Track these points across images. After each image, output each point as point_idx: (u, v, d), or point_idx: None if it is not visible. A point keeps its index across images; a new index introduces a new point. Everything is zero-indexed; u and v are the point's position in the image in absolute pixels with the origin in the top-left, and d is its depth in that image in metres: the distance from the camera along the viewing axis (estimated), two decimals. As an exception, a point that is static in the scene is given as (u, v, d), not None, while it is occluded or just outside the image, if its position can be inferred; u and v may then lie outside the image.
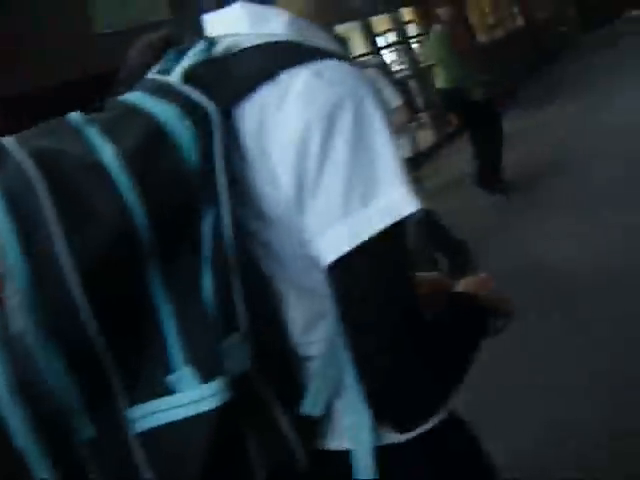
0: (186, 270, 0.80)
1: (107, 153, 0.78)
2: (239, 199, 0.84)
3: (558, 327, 3.93)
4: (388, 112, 0.84)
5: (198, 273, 0.80)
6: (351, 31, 11.01)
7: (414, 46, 13.10)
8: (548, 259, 5.03)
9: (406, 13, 12.89)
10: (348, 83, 0.83)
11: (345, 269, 0.81)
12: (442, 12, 7.46)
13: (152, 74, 0.95)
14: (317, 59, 0.84)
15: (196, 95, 0.83)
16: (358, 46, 11.20)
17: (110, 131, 0.81)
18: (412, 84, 12.76)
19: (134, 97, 0.87)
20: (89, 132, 0.82)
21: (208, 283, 0.80)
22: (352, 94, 0.82)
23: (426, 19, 12.74)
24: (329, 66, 0.84)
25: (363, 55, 11.02)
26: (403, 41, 12.68)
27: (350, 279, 0.81)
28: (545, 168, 7.64)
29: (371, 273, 0.81)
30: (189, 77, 0.86)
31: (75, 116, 0.86)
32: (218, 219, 0.81)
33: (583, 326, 3.82)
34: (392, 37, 13.41)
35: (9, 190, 0.76)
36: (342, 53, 0.90)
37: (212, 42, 0.90)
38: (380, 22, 12.31)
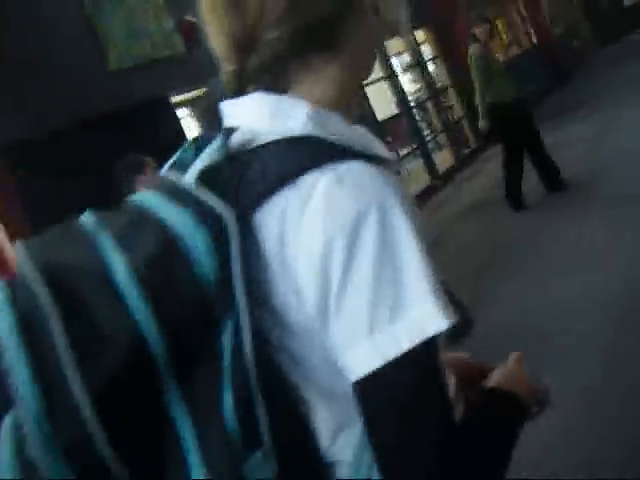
0: (205, 384, 0.77)
1: (120, 267, 0.77)
2: (261, 308, 0.81)
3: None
4: (416, 216, 0.82)
5: (218, 387, 0.78)
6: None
7: (429, 67, 13.09)
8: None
9: (420, 34, 12.88)
10: (371, 190, 0.80)
11: (372, 387, 0.78)
12: (479, 31, 7.58)
13: (170, 169, 0.93)
14: (339, 161, 0.82)
15: (213, 201, 0.81)
16: (374, 70, 11.14)
17: (123, 239, 0.80)
18: (429, 105, 12.74)
19: (150, 200, 0.86)
20: (102, 240, 0.81)
21: (229, 398, 0.77)
22: (376, 203, 0.79)
23: (440, 40, 12.76)
24: (352, 170, 0.81)
25: (379, 79, 11.03)
26: (418, 63, 12.66)
27: (377, 397, 0.78)
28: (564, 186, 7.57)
29: (398, 391, 0.77)
30: (205, 179, 0.84)
31: (89, 219, 0.86)
32: (237, 331, 0.78)
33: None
34: (407, 58, 13.43)
35: (21, 315, 0.76)
36: (365, 146, 0.88)
37: (229, 135, 0.88)
38: (394, 44, 12.31)
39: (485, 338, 4.03)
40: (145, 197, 0.87)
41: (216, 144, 0.88)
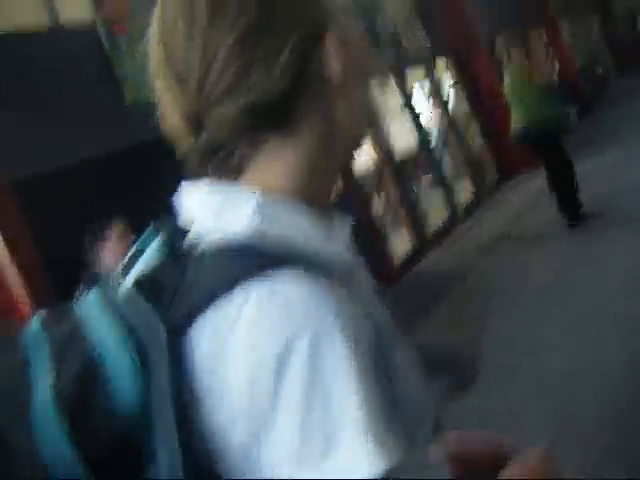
0: None
1: (43, 391, 0.74)
2: (190, 432, 0.74)
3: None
4: (361, 340, 0.73)
5: None
6: (385, 82, 10.98)
7: (450, 96, 13.03)
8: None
9: (440, 63, 12.83)
10: (305, 311, 0.73)
11: None
12: (515, 52, 7.70)
13: (130, 259, 0.89)
14: (274, 270, 0.75)
15: (143, 314, 0.77)
16: (393, 97, 11.14)
17: (56, 359, 0.77)
18: (449, 135, 12.65)
19: (90, 307, 0.81)
20: (37, 357, 0.78)
21: None
22: (309, 326, 0.72)
23: (460, 69, 12.69)
24: (286, 285, 0.74)
25: (400, 110, 10.97)
26: (438, 92, 12.60)
27: None
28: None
29: None
30: (139, 287, 0.80)
31: (34, 328, 0.82)
32: (166, 458, 0.72)
33: None
34: (427, 86, 13.36)
35: None
36: (318, 246, 0.81)
37: (173, 232, 0.86)
38: (414, 72, 12.25)
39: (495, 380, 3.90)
40: (88, 302, 0.82)
41: (156, 244, 0.85)
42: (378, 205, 11.13)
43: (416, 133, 11.41)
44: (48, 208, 5.35)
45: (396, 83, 11.21)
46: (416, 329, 6.54)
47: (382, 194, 11.55)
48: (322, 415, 0.70)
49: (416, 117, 11.51)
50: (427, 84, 12.95)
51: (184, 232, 0.85)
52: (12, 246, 5.05)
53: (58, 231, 5.21)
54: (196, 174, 0.86)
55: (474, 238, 9.26)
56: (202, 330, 0.75)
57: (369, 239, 8.74)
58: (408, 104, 11.32)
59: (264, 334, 0.72)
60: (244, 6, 0.81)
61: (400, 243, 9.85)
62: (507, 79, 7.81)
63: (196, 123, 0.83)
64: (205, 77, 0.81)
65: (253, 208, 0.80)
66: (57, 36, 6.37)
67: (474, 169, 12.30)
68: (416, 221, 10.24)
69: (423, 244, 9.84)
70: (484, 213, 10.67)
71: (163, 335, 0.74)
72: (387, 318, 0.89)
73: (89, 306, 0.82)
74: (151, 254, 0.85)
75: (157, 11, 0.86)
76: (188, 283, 0.78)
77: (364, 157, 10.58)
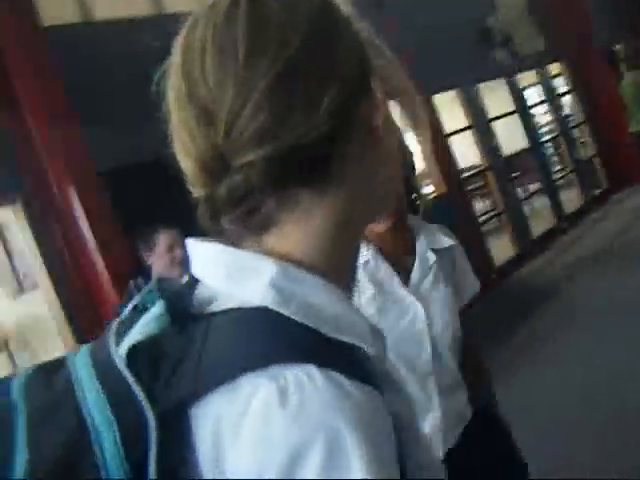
0: None
1: (20, 464, 0.68)
2: None
3: None
4: (380, 443, 0.66)
5: None
6: (496, 87, 10.75)
7: (562, 101, 12.66)
8: None
9: (554, 68, 12.46)
10: (320, 415, 0.64)
11: None
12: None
13: (130, 312, 0.78)
14: (286, 364, 0.66)
15: (136, 391, 0.68)
16: (505, 103, 10.90)
17: (36, 427, 0.70)
18: (560, 141, 12.29)
19: (80, 369, 0.74)
20: (15, 422, 0.71)
21: None
22: (324, 431, 0.64)
23: (575, 74, 12.32)
24: (299, 384, 0.65)
25: (510, 113, 10.73)
26: (551, 96, 12.25)
27: None
28: None
29: None
30: (136, 357, 0.71)
31: (15, 387, 0.75)
32: None
33: None
34: (539, 92, 13.01)
35: None
36: (338, 325, 0.72)
37: (178, 298, 0.76)
38: (526, 75, 11.95)
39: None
40: (79, 362, 0.75)
41: (157, 309, 0.74)
42: (481, 208, 10.94)
43: (525, 137, 11.12)
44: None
45: (507, 85, 10.96)
46: (502, 338, 6.37)
47: (486, 197, 11.34)
48: None
49: (526, 121, 11.21)
50: (540, 88, 12.62)
51: (189, 293, 0.77)
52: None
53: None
54: (208, 227, 0.77)
55: (578, 249, 8.97)
56: (206, 411, 0.68)
57: (468, 242, 8.58)
58: (519, 107, 11.04)
59: (270, 440, 0.64)
60: (286, 40, 0.72)
61: (501, 248, 9.63)
62: (628, 79, 7.49)
63: (217, 169, 0.73)
64: (237, 117, 0.71)
65: (270, 279, 0.71)
66: (164, 24, 6.44)
67: (584, 178, 11.90)
68: (519, 227, 9.98)
69: (525, 251, 9.59)
70: (591, 223, 10.32)
71: (151, 413, 0.67)
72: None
73: (81, 366, 0.74)
74: (152, 318, 0.74)
75: (181, 39, 0.77)
76: (194, 356, 0.69)
77: (469, 158, 10.40)
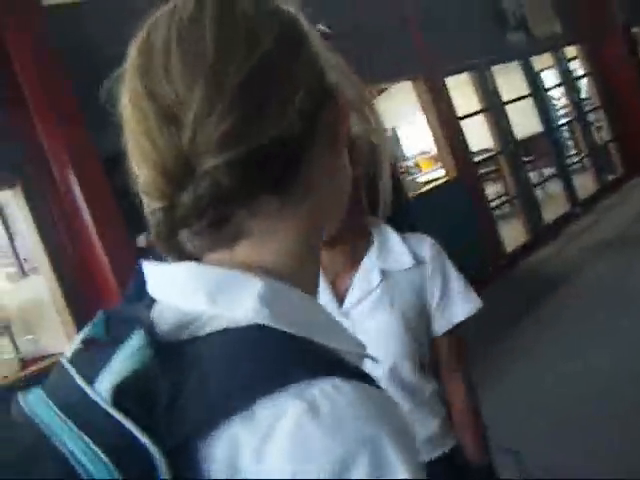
0: None
1: None
2: None
3: None
4: (413, 444, 0.65)
5: None
6: (511, 70, 10.61)
7: (577, 85, 12.48)
8: None
9: (569, 51, 12.28)
10: (357, 423, 0.62)
11: None
12: None
13: (77, 351, 0.71)
14: (311, 379, 0.63)
15: (135, 433, 0.61)
16: (519, 86, 10.75)
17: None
18: (576, 125, 12.13)
19: (40, 412, 0.66)
20: None
21: None
22: (364, 441, 0.61)
23: (592, 58, 12.15)
24: (326, 395, 0.62)
25: (525, 97, 10.59)
26: (567, 80, 12.08)
27: None
28: None
29: None
30: (124, 397, 0.63)
31: None
32: None
33: None
34: (554, 75, 12.84)
35: None
36: (328, 334, 0.70)
37: (151, 327, 0.68)
38: (542, 59, 11.78)
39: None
40: (37, 406, 0.67)
41: (136, 341, 0.66)
42: (492, 192, 10.82)
43: (540, 121, 10.98)
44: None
45: (522, 68, 10.81)
46: (512, 325, 6.31)
47: (498, 181, 11.21)
48: None
49: (542, 104, 11.07)
50: (556, 71, 12.46)
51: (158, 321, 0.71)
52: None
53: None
54: (160, 243, 0.72)
55: (591, 235, 8.86)
56: (217, 446, 0.63)
57: (480, 227, 8.50)
58: (534, 91, 10.89)
59: (309, 459, 0.61)
60: (257, 41, 0.70)
61: (513, 234, 9.53)
62: None
63: (181, 175, 0.68)
64: (205, 118, 0.67)
65: (257, 295, 0.68)
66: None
67: (599, 163, 11.75)
68: (532, 212, 9.87)
69: (537, 237, 9.49)
70: (605, 209, 10.20)
71: (160, 456, 0.61)
72: None
73: (42, 411, 0.67)
74: (132, 352, 0.67)
75: (139, 41, 0.73)
76: (193, 387, 0.64)
77: (483, 142, 10.29)
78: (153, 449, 0.61)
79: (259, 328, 0.66)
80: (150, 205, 0.71)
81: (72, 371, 0.68)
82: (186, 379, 0.64)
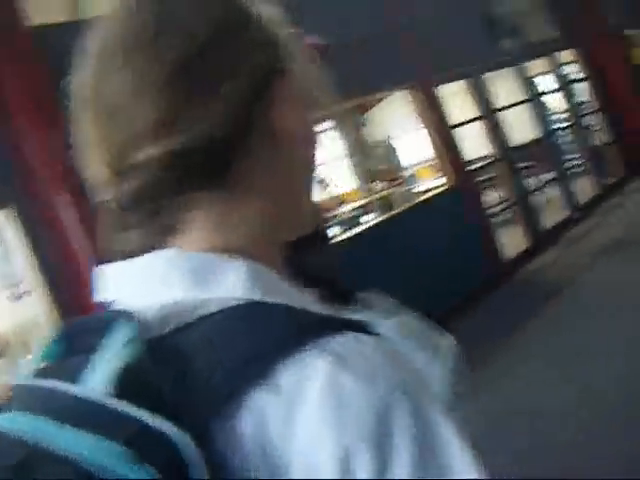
0: None
1: None
2: None
3: None
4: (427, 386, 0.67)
5: None
6: (508, 76, 10.60)
7: (574, 89, 12.46)
8: None
9: (565, 55, 12.26)
10: (386, 370, 0.63)
11: None
12: None
13: (38, 375, 0.67)
14: (328, 336, 0.63)
15: (152, 424, 0.58)
16: (512, 92, 10.74)
17: None
18: (574, 129, 12.11)
19: (23, 424, 0.61)
20: None
21: None
22: (397, 386, 0.62)
23: (587, 61, 12.15)
24: (354, 347, 0.63)
25: (523, 102, 10.58)
26: (563, 84, 12.06)
27: None
28: None
29: None
30: (128, 389, 0.60)
31: None
32: None
33: None
34: (549, 80, 12.82)
35: None
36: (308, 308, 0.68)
37: (132, 317, 0.65)
38: (537, 63, 11.76)
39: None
40: (23, 425, 0.61)
41: (122, 335, 0.63)
42: (491, 200, 10.80)
43: (537, 127, 10.97)
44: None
45: (519, 74, 10.79)
46: (516, 329, 6.28)
47: (497, 188, 11.19)
48: (437, 466, 0.61)
49: (539, 110, 11.05)
50: (552, 76, 12.44)
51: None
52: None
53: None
54: (113, 234, 0.72)
55: (591, 239, 8.84)
56: (242, 419, 0.61)
57: (478, 235, 8.47)
58: (530, 97, 10.87)
59: (346, 415, 0.60)
60: (189, 32, 0.71)
61: (513, 241, 9.50)
62: None
63: (122, 165, 0.70)
64: (137, 108, 0.69)
65: (246, 274, 0.68)
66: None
67: (598, 166, 11.73)
68: (531, 219, 9.83)
69: (536, 243, 9.45)
70: (605, 213, 10.18)
71: (184, 439, 0.58)
72: None
73: (24, 423, 0.62)
74: (115, 353, 0.63)
75: (87, 42, 0.74)
76: (199, 370, 0.61)
77: (479, 149, 10.27)
78: (180, 437, 0.58)
79: (256, 303, 0.66)
80: (100, 197, 0.73)
81: (46, 382, 0.65)
82: (189, 363, 0.62)
